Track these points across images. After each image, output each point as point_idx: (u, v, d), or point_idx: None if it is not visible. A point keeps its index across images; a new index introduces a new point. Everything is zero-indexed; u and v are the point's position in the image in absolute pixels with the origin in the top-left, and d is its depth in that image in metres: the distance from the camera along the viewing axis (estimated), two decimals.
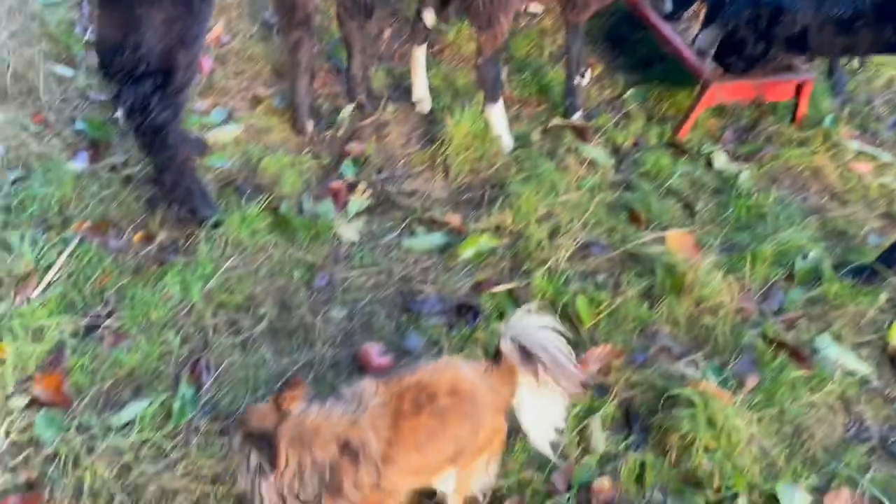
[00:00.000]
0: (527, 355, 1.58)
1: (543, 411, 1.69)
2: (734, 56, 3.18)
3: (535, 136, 3.20)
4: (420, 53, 3.20)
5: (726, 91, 3.27)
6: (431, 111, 3.26)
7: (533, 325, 1.64)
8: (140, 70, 2.24)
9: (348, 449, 1.45)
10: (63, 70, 3.30)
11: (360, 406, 1.51)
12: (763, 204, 2.93)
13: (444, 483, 1.71)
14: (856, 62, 3.85)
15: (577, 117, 3.31)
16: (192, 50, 2.33)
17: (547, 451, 1.75)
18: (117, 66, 2.25)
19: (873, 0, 2.75)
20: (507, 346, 1.61)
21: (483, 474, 1.72)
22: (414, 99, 3.28)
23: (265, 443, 1.40)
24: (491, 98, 3.00)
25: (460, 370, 1.63)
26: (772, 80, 3.29)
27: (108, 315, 2.24)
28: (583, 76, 3.46)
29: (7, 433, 1.89)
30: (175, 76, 2.31)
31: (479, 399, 1.60)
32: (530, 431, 1.72)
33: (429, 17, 3.09)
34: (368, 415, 1.50)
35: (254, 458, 1.42)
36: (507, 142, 3.06)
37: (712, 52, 3.22)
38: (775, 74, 3.28)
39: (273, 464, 1.39)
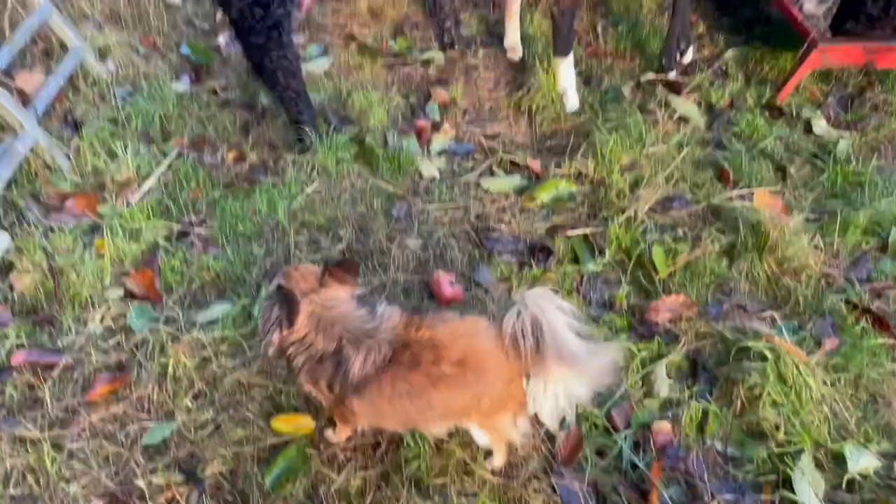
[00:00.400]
0: (533, 339, 1.48)
1: (551, 395, 1.58)
2: (851, 20, 3.02)
3: (627, 90, 3.14)
4: (515, 1, 3.18)
5: (834, 54, 3.10)
6: (522, 59, 3.24)
7: (549, 307, 1.49)
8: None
9: (338, 356, 1.53)
10: None
11: (376, 329, 1.55)
12: (862, 173, 2.79)
13: (475, 434, 1.73)
14: None
15: (672, 76, 3.22)
16: None
17: (553, 424, 1.71)
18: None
19: None
20: (509, 324, 1.51)
21: (511, 429, 1.68)
22: (506, 45, 3.27)
23: (292, 305, 1.51)
24: (562, 51, 2.93)
25: (478, 338, 1.56)
26: (885, 46, 3.11)
27: (200, 224, 2.38)
28: (683, 54, 3.33)
29: (102, 319, 2.04)
30: (270, 9, 2.39)
31: (489, 370, 1.55)
32: (535, 406, 1.62)
33: None
34: (374, 341, 1.54)
35: (276, 311, 1.54)
36: (573, 101, 3.00)
37: (823, 14, 3.07)
38: (890, 39, 3.10)
39: (290, 323, 1.52)
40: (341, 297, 1.58)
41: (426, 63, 3.25)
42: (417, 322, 1.58)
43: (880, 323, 2.25)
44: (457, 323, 1.59)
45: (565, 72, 2.97)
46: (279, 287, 1.55)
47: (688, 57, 3.33)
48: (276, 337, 1.54)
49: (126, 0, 3.30)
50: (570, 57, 2.96)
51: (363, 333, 1.55)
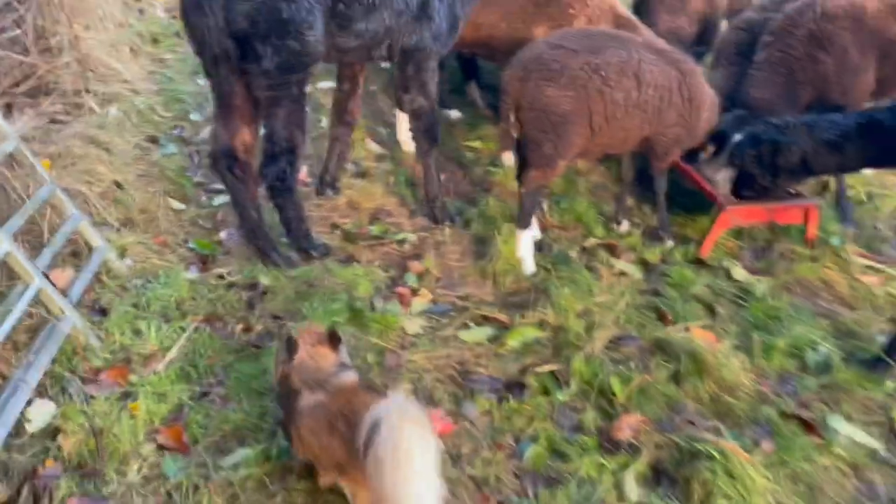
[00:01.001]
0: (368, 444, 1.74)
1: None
2: (747, 189, 3.71)
3: (574, 253, 3.70)
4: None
5: (740, 215, 3.75)
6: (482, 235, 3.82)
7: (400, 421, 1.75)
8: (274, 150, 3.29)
9: (297, 392, 2.14)
10: (178, 204, 4.01)
11: (328, 382, 2.12)
12: (778, 307, 3.31)
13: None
14: (863, 195, 4.36)
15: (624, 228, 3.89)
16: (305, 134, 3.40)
17: None
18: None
19: (856, 121, 3.28)
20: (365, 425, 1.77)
21: None
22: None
23: (293, 347, 2.20)
24: (523, 224, 3.51)
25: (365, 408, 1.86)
26: (781, 206, 3.78)
27: (218, 384, 2.72)
28: (619, 224, 3.98)
29: (139, 469, 2.32)
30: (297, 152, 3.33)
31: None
32: None
33: (507, 158, 3.82)
34: (321, 389, 2.10)
35: (283, 352, 2.23)
36: (530, 266, 3.52)
37: (726, 183, 3.75)
38: (784, 200, 3.78)
39: (290, 357, 2.19)
40: (327, 354, 2.21)
41: (401, 242, 3.79)
42: (359, 389, 2.13)
43: (809, 427, 2.65)
44: (370, 396, 2.03)
45: (524, 242, 3.53)
46: (289, 337, 2.21)
47: (623, 227, 3.96)
48: (280, 369, 2.20)
49: (138, 208, 3.83)
50: (529, 229, 3.54)
51: (319, 381, 2.11)
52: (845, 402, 2.81)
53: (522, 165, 3.55)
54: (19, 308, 2.59)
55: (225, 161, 3.40)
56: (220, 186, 4.06)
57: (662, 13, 4.87)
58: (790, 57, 3.92)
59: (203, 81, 5.55)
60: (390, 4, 3.36)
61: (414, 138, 3.94)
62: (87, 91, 4.56)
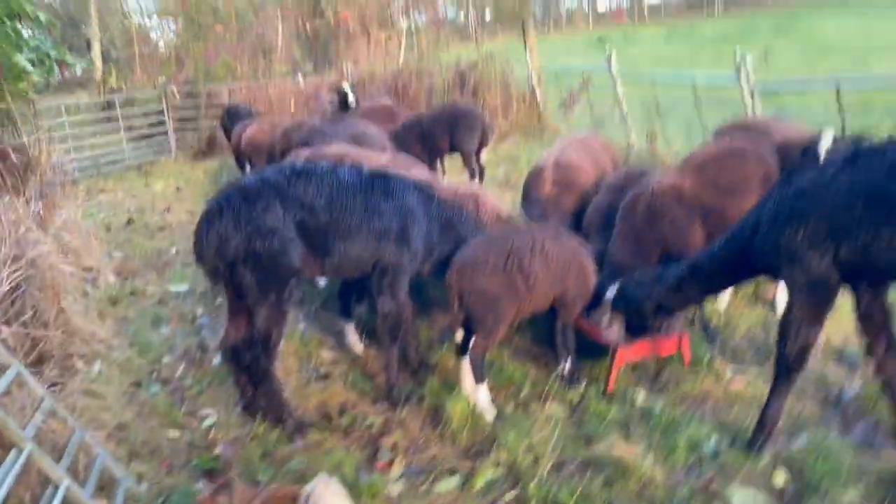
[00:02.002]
0: None
1: None
2: (631, 330, 4.76)
3: (510, 407, 4.56)
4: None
5: (631, 353, 4.78)
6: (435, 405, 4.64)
7: None
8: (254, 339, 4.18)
9: None
10: (173, 433, 4.65)
11: None
12: (674, 417, 4.24)
13: None
14: (722, 321, 5.52)
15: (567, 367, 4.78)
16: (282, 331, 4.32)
17: None
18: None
19: (685, 266, 4.42)
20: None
21: None
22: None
23: None
24: (478, 379, 4.42)
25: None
26: (659, 339, 4.84)
27: None
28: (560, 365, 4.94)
29: None
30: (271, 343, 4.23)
31: None
32: None
33: (458, 335, 4.70)
34: None
35: None
36: (490, 413, 4.40)
37: (614, 328, 4.79)
38: (660, 334, 4.84)
39: None
40: None
41: (369, 426, 4.55)
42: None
43: (713, 496, 3.49)
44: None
45: (482, 394, 4.41)
46: None
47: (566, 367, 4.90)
48: None
49: (141, 441, 4.44)
50: (483, 384, 4.41)
51: None
52: (736, 475, 3.69)
53: (467, 339, 4.53)
54: None
55: (232, 354, 4.40)
56: (207, 411, 4.79)
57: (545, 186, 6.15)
58: (636, 227, 5.20)
59: (165, 329, 6.39)
60: (369, 232, 4.42)
61: (380, 334, 4.84)
62: (73, 355, 5.26)
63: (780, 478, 3.64)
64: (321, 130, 8.10)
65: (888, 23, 26.70)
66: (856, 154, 3.55)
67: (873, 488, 3.53)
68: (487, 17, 63.10)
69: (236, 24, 20.56)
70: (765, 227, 3.82)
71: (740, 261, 4.10)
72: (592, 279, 4.75)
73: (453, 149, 10.11)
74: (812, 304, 3.71)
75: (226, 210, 4.21)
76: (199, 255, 4.33)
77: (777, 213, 3.75)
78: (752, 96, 7.77)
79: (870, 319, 3.82)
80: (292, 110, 14.80)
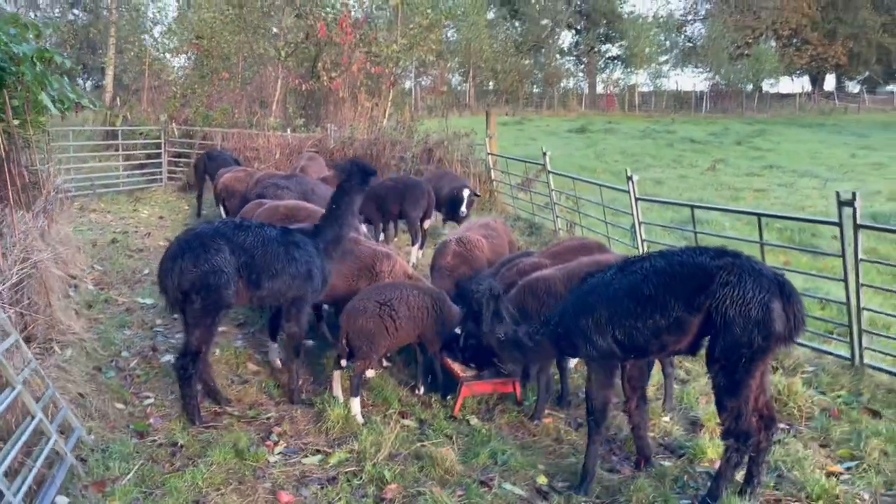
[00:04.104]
0: None
1: None
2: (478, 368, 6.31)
3: (378, 417, 6.07)
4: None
5: (474, 388, 6.32)
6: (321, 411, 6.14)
7: None
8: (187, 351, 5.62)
9: None
10: (120, 406, 6.11)
11: None
12: (490, 436, 5.76)
13: None
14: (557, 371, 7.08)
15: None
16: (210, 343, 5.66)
17: None
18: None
19: (512, 337, 5.97)
20: None
21: None
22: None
23: None
24: (353, 393, 5.95)
25: None
26: (499, 381, 6.38)
27: None
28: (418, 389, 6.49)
29: None
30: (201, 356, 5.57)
31: None
32: None
33: (344, 363, 6.22)
34: None
35: None
36: (359, 418, 5.91)
37: (466, 366, 6.35)
38: (500, 377, 6.39)
39: None
40: None
41: (268, 418, 6.03)
42: None
43: (489, 482, 5.00)
44: None
45: (356, 404, 5.92)
46: None
47: (421, 391, 6.43)
48: None
49: (94, 408, 5.89)
50: (357, 398, 5.93)
51: None
52: (513, 476, 5.20)
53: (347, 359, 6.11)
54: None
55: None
56: (148, 394, 6.29)
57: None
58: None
59: (128, 332, 7.89)
60: (287, 273, 6.01)
61: (285, 351, 6.38)
62: (52, 340, 6.75)
63: (542, 479, 5.16)
64: (277, 185, 9.81)
65: (842, 149, 29.16)
66: (626, 261, 5.14)
67: (603, 492, 5.04)
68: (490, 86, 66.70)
69: (241, 74, 22.53)
70: (567, 316, 5.14)
71: (550, 341, 5.26)
72: (447, 325, 6.30)
73: (402, 215, 11.80)
74: (603, 373, 5.04)
75: (186, 251, 5.78)
76: (162, 283, 5.85)
77: (574, 306, 5.14)
78: (636, 206, 9.56)
79: (632, 381, 5.36)
80: (276, 160, 16.55)
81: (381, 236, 11.89)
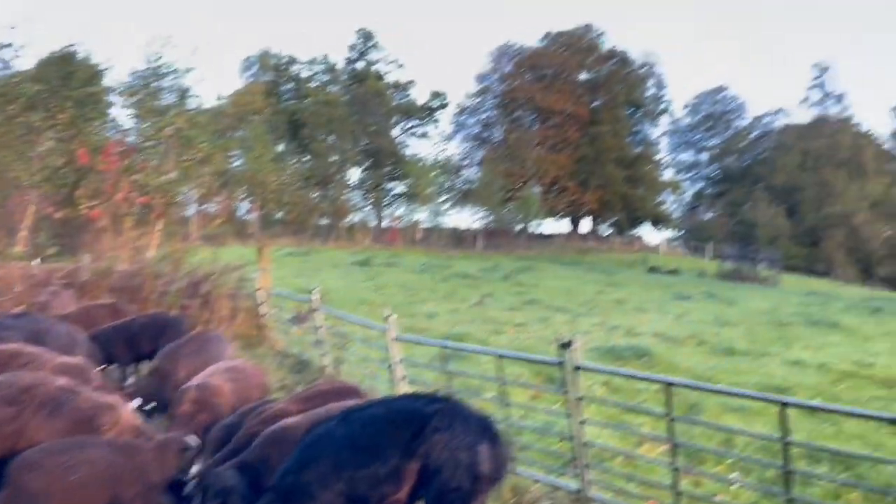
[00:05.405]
0: None
1: None
2: None
3: None
4: None
5: None
6: None
7: None
8: None
9: None
10: None
11: None
12: None
13: None
14: None
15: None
16: None
17: None
18: None
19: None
20: None
21: None
22: None
23: None
24: None
25: None
26: None
27: None
28: None
29: None
30: None
31: None
32: None
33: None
34: None
35: None
36: None
37: None
38: None
39: None
40: None
41: None
42: None
43: None
44: None
45: None
46: None
47: None
48: None
49: None
50: None
51: None
52: None
53: None
54: None
55: None
56: None
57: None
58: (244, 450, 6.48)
59: None
60: None
61: None
62: None
63: None
64: (2, 325, 8.81)
65: (592, 286, 32.59)
66: (348, 410, 5.21)
67: None
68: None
69: None
70: (290, 473, 4.96)
71: (291, 497, 5.00)
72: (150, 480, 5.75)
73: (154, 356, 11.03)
74: None
75: None
76: None
77: (298, 460, 5.03)
78: (393, 346, 9.86)
79: None
80: (17, 294, 14.89)
81: (131, 378, 10.99)
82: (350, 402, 6.88)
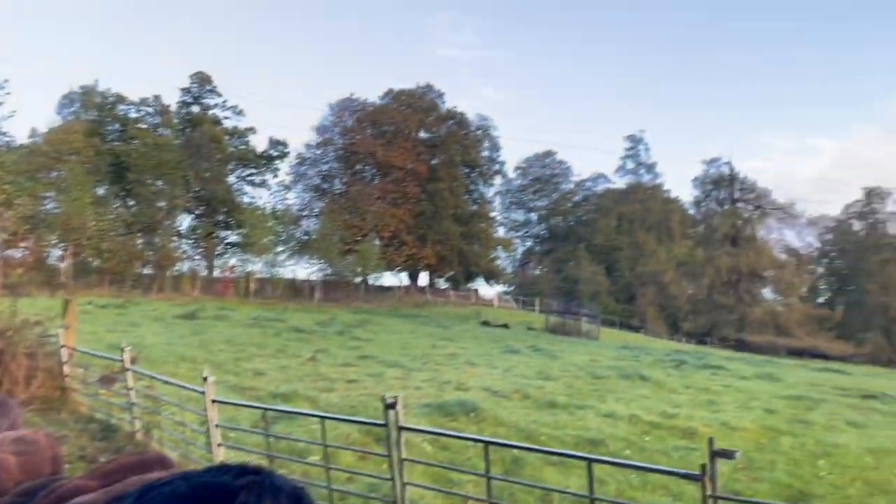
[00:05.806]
0: None
1: None
2: None
3: None
4: None
5: None
6: None
7: None
8: None
9: None
10: None
11: None
12: None
13: None
14: None
15: None
16: None
17: None
18: None
19: None
20: None
21: None
22: None
23: None
24: None
25: None
26: None
27: None
28: None
29: None
30: None
31: None
32: None
33: None
34: None
35: None
36: None
37: None
38: None
39: None
40: None
41: None
42: None
43: None
44: None
45: None
46: None
47: None
48: None
49: None
50: None
51: None
52: None
53: None
54: None
55: None
56: None
57: None
58: None
59: None
60: None
61: None
62: None
63: None
64: None
65: (427, 340, 32.99)
66: (147, 486, 4.80)
67: None
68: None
69: None
70: None
71: None
72: None
73: None
74: None
75: None
76: None
77: None
78: (211, 409, 9.31)
79: None
80: None
81: None
82: (155, 475, 6.38)
